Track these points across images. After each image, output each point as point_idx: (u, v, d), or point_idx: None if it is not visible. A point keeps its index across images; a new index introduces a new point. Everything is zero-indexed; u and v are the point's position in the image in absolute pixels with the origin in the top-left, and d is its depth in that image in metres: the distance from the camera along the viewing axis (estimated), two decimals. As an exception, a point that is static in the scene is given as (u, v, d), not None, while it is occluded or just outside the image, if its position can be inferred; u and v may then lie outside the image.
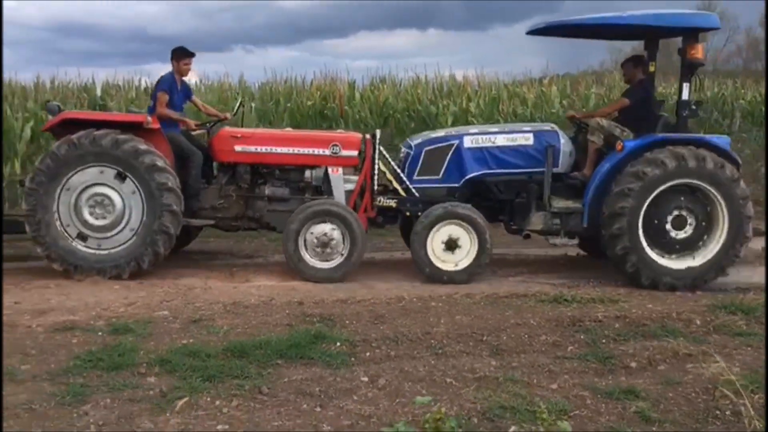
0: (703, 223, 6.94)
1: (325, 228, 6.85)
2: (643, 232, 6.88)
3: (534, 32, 7.61)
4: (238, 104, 9.09)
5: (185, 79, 7.85)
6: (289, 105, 13.34)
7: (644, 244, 6.88)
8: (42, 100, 14.07)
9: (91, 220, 6.82)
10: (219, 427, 3.55)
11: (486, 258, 6.94)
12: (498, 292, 6.41)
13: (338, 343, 4.79)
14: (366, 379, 4.23)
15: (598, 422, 3.70)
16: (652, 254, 6.91)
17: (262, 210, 7.33)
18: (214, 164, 7.53)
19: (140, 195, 6.79)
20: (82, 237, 6.82)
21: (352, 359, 4.56)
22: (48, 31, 44.57)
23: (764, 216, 6.99)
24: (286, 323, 5.26)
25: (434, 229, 6.88)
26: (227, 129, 7.54)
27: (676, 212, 6.94)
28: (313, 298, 6.03)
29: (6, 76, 15.15)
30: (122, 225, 6.84)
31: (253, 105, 13.15)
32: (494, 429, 3.55)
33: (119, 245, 6.82)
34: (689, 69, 7.14)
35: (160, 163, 6.76)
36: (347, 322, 5.31)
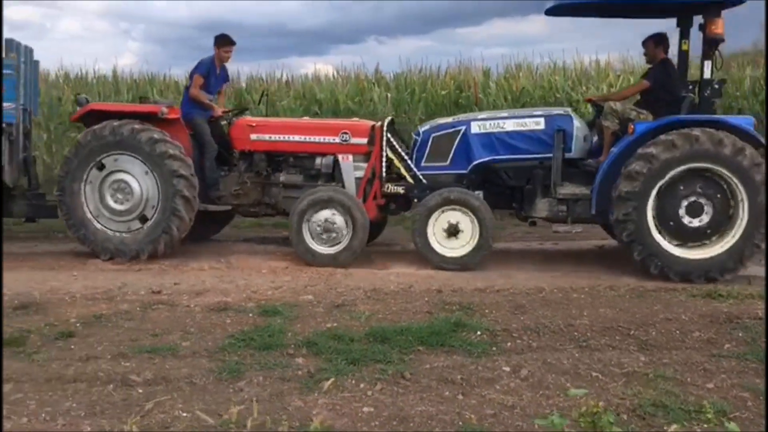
0: (722, 209, 6.45)
1: (328, 214, 6.97)
2: (657, 224, 6.49)
3: (550, 13, 7.25)
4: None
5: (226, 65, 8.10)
6: (423, 95, 13.37)
7: (657, 238, 6.48)
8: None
9: (113, 204, 7.27)
10: (365, 409, 3.65)
11: (489, 242, 6.80)
12: (644, 285, 6.14)
13: (478, 332, 4.77)
14: (508, 369, 4.19)
15: (761, 425, 3.46)
16: (670, 247, 6.49)
17: (278, 196, 7.56)
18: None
19: (155, 181, 7.16)
20: (142, 219, 7.27)
21: (493, 349, 4.53)
22: (195, 29, 47.30)
23: (765, 211, 6.38)
24: (425, 310, 5.31)
25: (434, 216, 6.85)
26: (244, 118, 7.85)
27: (691, 199, 6.44)
28: (451, 287, 6.04)
29: (160, 72, 16.24)
30: (140, 210, 7.25)
31: (388, 95, 13.30)
32: (646, 427, 3.41)
33: (137, 229, 7.25)
34: (710, 46, 6.65)
35: (173, 150, 7.08)
36: (487, 311, 5.28)
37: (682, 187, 6.47)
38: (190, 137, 7.54)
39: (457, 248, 6.88)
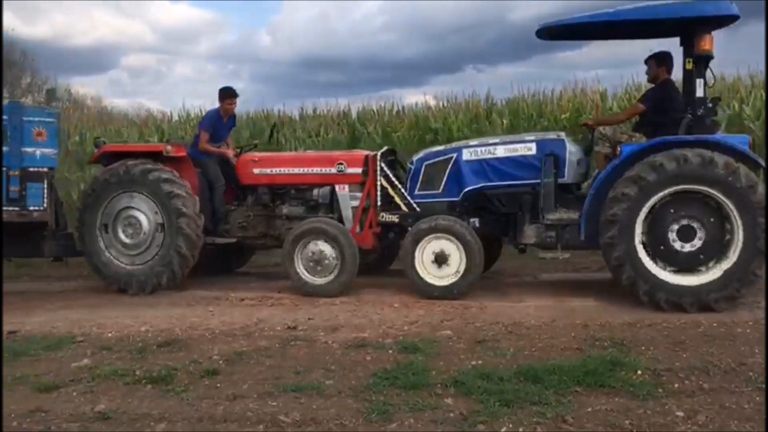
0: (712, 233, 6.03)
1: (318, 245, 7.06)
2: (647, 248, 6.19)
3: (541, 35, 6.97)
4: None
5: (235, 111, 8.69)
6: (541, 119, 13.04)
7: (647, 263, 6.15)
8: (308, 128, 15.27)
9: (131, 241, 7.70)
10: (532, 457, 3.39)
11: (476, 271, 6.70)
12: (817, 317, 5.55)
13: (639, 372, 4.40)
14: (681, 413, 3.81)
15: None
16: (661, 273, 6.13)
17: (281, 228, 7.75)
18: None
19: (162, 219, 7.55)
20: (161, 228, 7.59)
21: (659, 390, 4.15)
22: (298, 66, 48.98)
23: (764, 219, 5.80)
24: (575, 347, 4.99)
25: (420, 244, 6.80)
26: (248, 154, 8.23)
27: (681, 222, 6.09)
28: (596, 321, 5.69)
29: (275, 108, 16.68)
30: (147, 245, 7.64)
31: (504, 121, 13.05)
32: None
33: (144, 263, 7.64)
34: (700, 63, 6.41)
35: (179, 190, 7.45)
36: (642, 347, 4.90)
37: (672, 211, 6.15)
38: (198, 174, 7.90)
39: (447, 276, 6.78)
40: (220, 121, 8.36)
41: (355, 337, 5.45)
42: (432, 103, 15.49)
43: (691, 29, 6.54)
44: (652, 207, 6.17)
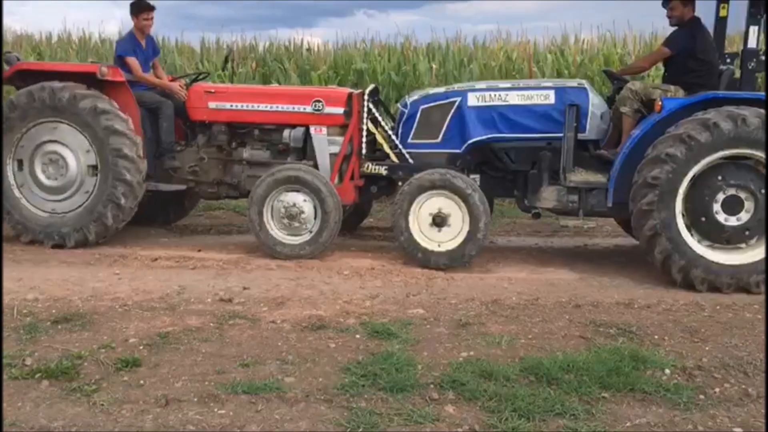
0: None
1: (295, 198, 5.98)
2: (688, 221, 5.41)
3: None
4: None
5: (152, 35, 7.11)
6: (471, 66, 12.24)
7: (687, 238, 5.35)
8: (213, 60, 13.74)
9: (43, 179, 6.32)
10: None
11: (478, 240, 5.75)
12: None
13: (667, 371, 3.69)
14: (740, 430, 3.13)
15: None
16: (701, 248, 5.35)
17: (241, 175, 6.59)
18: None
19: (95, 159, 6.22)
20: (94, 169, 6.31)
21: (701, 397, 3.43)
22: (180, -3, 45.66)
23: (765, 209, 5.33)
24: (576, 334, 4.23)
25: (416, 203, 5.84)
26: (201, 84, 6.94)
27: (728, 192, 5.32)
28: (584, 298, 4.95)
29: (172, 37, 14.95)
30: (74, 189, 6.30)
31: (433, 66, 12.14)
32: None
33: (70, 211, 6.29)
34: (757, 7, 5.51)
35: (119, 126, 6.14)
36: (656, 337, 4.20)
37: (719, 178, 5.32)
38: (137, 105, 6.48)
39: (445, 241, 5.83)
40: (139, 46, 6.80)
41: (309, 316, 4.45)
42: (321, 46, 14.27)
43: None
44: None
